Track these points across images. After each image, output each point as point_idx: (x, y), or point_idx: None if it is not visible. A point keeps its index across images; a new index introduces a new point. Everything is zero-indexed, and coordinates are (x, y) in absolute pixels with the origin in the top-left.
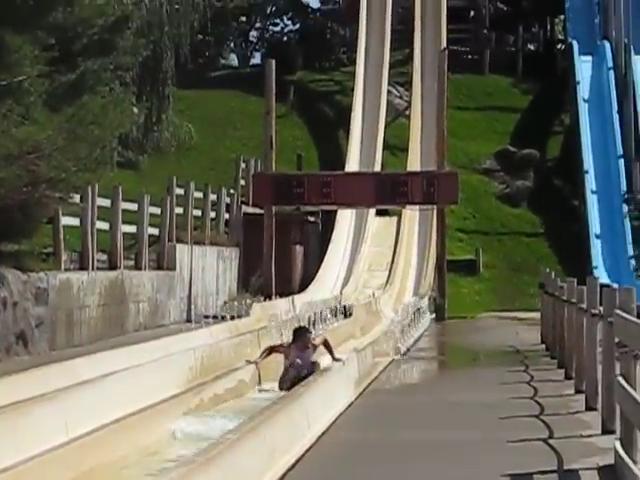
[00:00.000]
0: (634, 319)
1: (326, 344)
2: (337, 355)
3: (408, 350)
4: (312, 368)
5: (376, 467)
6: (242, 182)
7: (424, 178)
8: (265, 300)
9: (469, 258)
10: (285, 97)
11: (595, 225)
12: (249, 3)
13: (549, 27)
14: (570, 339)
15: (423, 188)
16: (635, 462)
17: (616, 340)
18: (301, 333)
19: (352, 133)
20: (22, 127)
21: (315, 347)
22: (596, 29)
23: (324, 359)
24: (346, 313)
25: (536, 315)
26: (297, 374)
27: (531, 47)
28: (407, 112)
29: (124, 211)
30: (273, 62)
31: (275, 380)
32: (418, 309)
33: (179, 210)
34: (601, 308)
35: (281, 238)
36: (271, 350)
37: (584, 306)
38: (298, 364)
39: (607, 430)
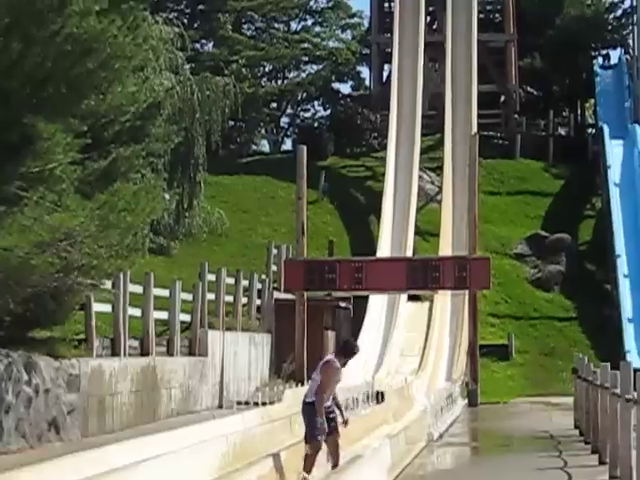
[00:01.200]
0: None
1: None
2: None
3: (441, 436)
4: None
5: None
6: (274, 268)
7: (456, 263)
8: (297, 386)
9: (501, 343)
10: (316, 183)
11: (627, 309)
12: (280, 89)
13: (580, 111)
14: (604, 424)
15: (455, 273)
16: None
17: None
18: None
19: (383, 218)
20: (54, 214)
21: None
22: (627, 113)
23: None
24: (378, 399)
25: (569, 400)
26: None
27: (562, 131)
28: (438, 197)
29: (156, 297)
30: (304, 148)
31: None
32: (450, 394)
33: (211, 296)
34: (635, 393)
35: (313, 323)
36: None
37: (618, 391)
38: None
39: None
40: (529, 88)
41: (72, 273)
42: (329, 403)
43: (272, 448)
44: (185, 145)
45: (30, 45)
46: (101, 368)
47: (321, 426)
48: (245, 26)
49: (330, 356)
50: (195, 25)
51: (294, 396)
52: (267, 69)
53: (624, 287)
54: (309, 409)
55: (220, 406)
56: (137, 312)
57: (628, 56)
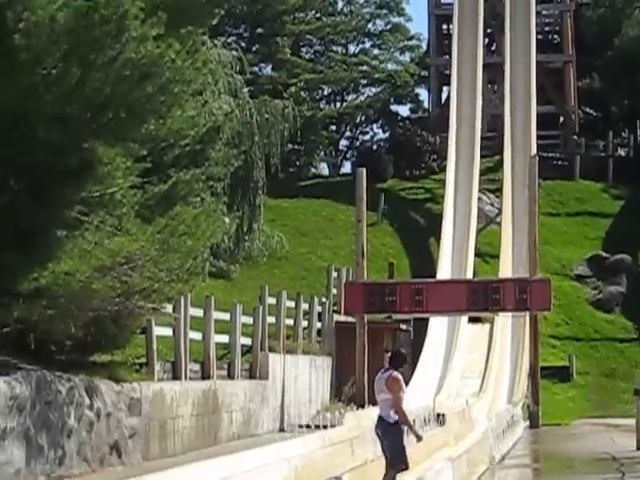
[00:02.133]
0: None
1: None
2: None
3: (503, 458)
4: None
5: None
6: (334, 291)
7: (516, 285)
8: (358, 409)
9: (562, 365)
10: (375, 205)
11: None
12: (339, 112)
13: (639, 132)
14: None
15: (515, 295)
16: None
17: None
18: (397, 357)
19: (443, 240)
20: (115, 238)
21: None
22: None
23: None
24: (440, 421)
25: (631, 422)
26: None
27: (621, 152)
28: (498, 219)
29: (216, 321)
30: (364, 171)
31: None
32: (512, 416)
33: (271, 319)
34: None
35: (373, 346)
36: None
37: None
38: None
39: None
40: (588, 109)
41: (133, 297)
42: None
43: (333, 471)
44: (244, 168)
45: (89, 70)
46: (162, 392)
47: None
48: (303, 49)
49: (389, 371)
50: (254, 48)
51: (355, 419)
52: (326, 92)
53: None
54: (394, 429)
55: (281, 429)
56: (198, 335)
57: None
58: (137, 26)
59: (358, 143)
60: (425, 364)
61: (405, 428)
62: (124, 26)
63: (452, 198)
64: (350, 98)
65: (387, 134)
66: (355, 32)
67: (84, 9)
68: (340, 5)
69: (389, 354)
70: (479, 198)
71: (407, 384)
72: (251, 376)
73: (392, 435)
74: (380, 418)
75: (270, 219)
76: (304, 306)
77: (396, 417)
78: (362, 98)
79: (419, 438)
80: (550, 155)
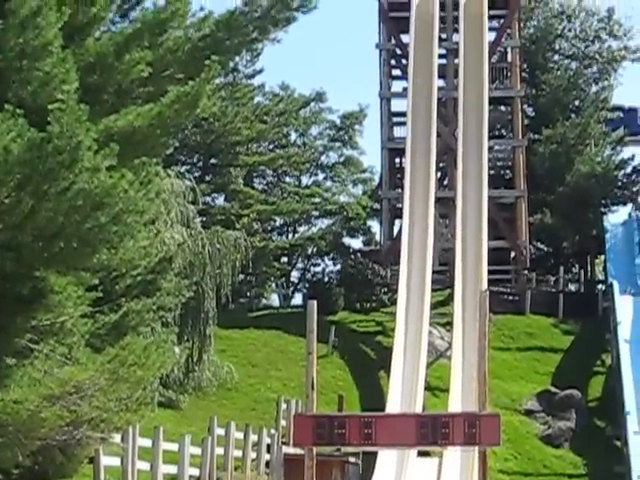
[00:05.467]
0: None
1: None
2: None
3: None
4: None
5: None
6: (283, 422)
7: (466, 420)
8: None
9: None
10: (326, 337)
11: (638, 467)
12: (291, 243)
13: (590, 267)
14: None
15: (465, 429)
16: None
17: None
18: None
19: (393, 373)
20: (64, 367)
21: None
22: (637, 269)
23: None
24: None
25: None
26: None
27: (572, 287)
28: (448, 353)
29: (165, 451)
30: (314, 303)
31: None
32: None
33: (220, 450)
34: None
35: (322, 479)
36: None
37: None
38: None
39: None
40: (539, 244)
41: (81, 426)
42: None
43: None
44: (195, 299)
45: (41, 200)
46: None
47: None
48: (256, 180)
49: None
50: (207, 178)
51: None
52: (278, 223)
53: (635, 444)
54: None
55: None
56: (146, 466)
57: (639, 212)
58: (90, 157)
59: (309, 275)
60: None
61: None
62: (77, 157)
63: (403, 331)
64: (302, 230)
65: (338, 266)
66: (308, 164)
67: (38, 140)
68: (294, 137)
69: None
70: (429, 332)
71: None
72: None
73: None
74: None
75: (220, 349)
76: (253, 437)
77: None
78: (314, 230)
79: None
80: (501, 289)
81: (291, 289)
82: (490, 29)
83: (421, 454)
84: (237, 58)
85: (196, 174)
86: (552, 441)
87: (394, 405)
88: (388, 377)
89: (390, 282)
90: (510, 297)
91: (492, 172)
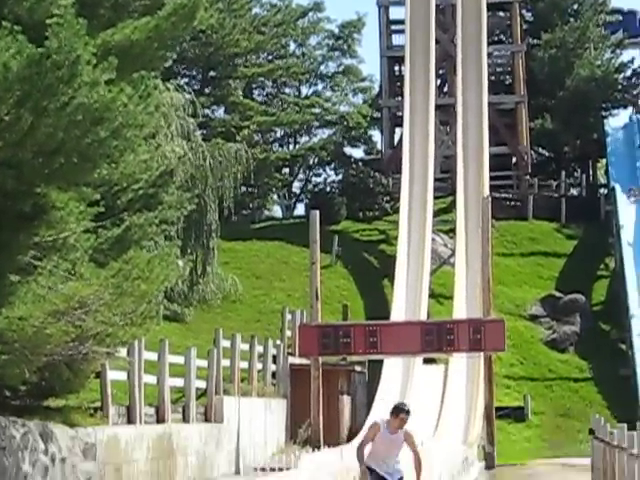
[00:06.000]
0: None
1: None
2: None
3: None
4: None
5: None
6: (288, 333)
7: (470, 326)
8: (313, 451)
9: (517, 405)
10: (329, 247)
11: None
12: (292, 154)
13: (591, 172)
14: None
15: (470, 336)
16: None
17: None
18: (400, 410)
19: (397, 282)
20: (68, 283)
21: (405, 440)
22: (638, 172)
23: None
24: None
25: (587, 461)
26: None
27: (574, 192)
28: (452, 260)
29: (171, 364)
30: (317, 213)
31: None
32: (466, 457)
33: (226, 362)
34: None
35: (328, 388)
36: (362, 446)
37: (635, 451)
38: (383, 452)
39: None
40: (540, 149)
41: (87, 341)
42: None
43: None
44: (198, 212)
45: (41, 116)
46: (117, 436)
47: None
48: (256, 92)
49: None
50: (206, 91)
51: (310, 462)
52: (278, 134)
53: (639, 347)
54: None
55: (237, 472)
56: (152, 379)
57: (639, 115)
58: (89, 71)
59: (311, 185)
60: (380, 406)
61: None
62: (76, 71)
63: (406, 239)
64: (303, 140)
65: (340, 176)
66: (307, 74)
67: (37, 56)
68: (292, 47)
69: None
70: (432, 239)
71: (361, 430)
72: (206, 419)
73: None
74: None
75: (224, 262)
76: (259, 349)
77: (403, 473)
78: (315, 140)
79: None
80: (503, 196)
81: (293, 200)
82: None
83: (427, 361)
84: None
85: (195, 87)
86: (557, 345)
87: (398, 313)
88: (392, 285)
89: (392, 190)
90: (512, 203)
91: (492, 78)
